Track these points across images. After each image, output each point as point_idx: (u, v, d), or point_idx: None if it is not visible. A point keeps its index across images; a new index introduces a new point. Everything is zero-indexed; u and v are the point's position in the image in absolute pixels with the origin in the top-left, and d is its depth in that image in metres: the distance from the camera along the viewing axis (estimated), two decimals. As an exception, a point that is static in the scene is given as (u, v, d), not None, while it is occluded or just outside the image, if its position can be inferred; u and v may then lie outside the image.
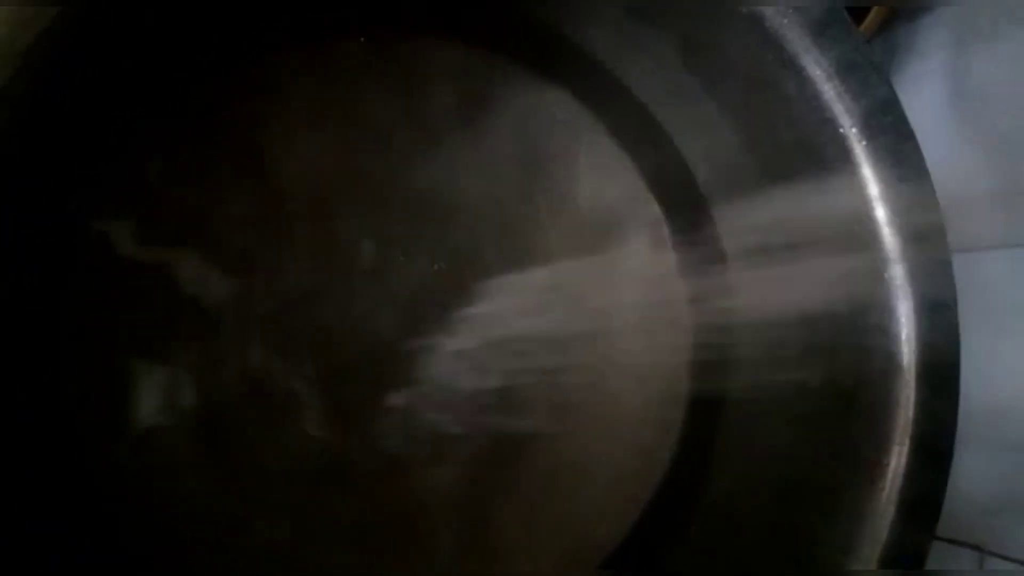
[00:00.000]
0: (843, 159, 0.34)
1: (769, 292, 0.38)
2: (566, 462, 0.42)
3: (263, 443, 0.40)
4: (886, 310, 0.34)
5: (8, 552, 0.34)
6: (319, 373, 0.41)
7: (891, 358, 0.34)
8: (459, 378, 0.41)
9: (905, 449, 0.33)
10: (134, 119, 0.39)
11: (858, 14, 0.45)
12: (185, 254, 0.40)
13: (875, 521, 0.34)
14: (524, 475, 0.42)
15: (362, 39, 0.41)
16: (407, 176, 0.41)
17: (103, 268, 0.39)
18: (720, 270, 0.40)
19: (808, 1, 0.33)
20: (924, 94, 0.45)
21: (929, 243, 0.33)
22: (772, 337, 0.39)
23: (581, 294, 0.42)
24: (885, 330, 0.34)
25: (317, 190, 0.41)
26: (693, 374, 0.43)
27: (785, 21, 0.33)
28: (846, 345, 0.36)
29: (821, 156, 0.34)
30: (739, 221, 0.39)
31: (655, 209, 0.42)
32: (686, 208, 0.41)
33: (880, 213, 0.34)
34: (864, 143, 0.33)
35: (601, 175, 0.42)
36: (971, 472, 0.41)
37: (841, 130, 0.34)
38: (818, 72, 0.33)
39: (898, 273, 0.34)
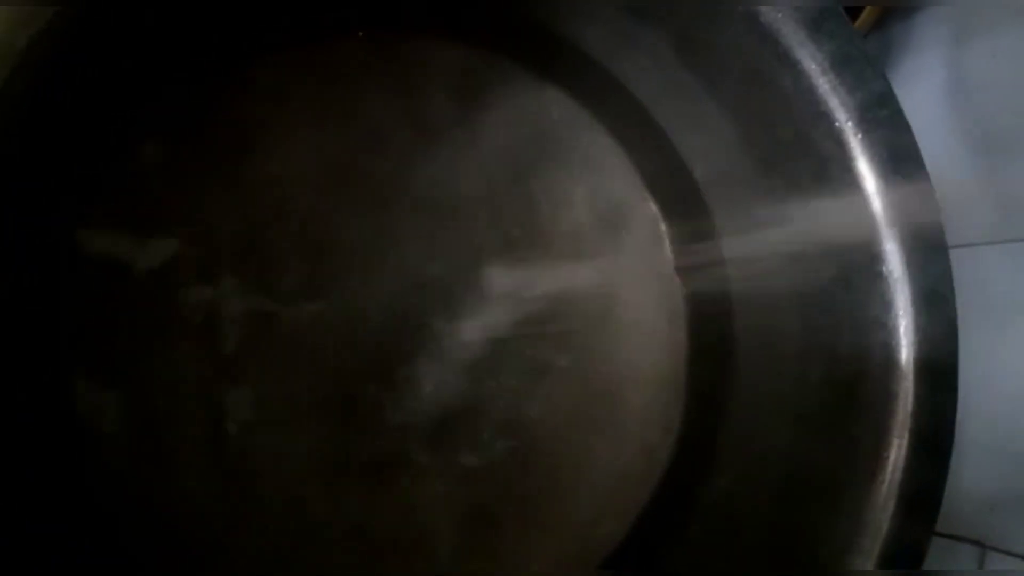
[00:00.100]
0: (839, 153, 0.34)
1: (767, 289, 0.39)
2: (566, 462, 0.42)
3: (263, 443, 0.40)
4: (884, 303, 0.34)
5: (8, 552, 0.34)
6: (318, 373, 0.41)
7: (889, 351, 0.34)
8: (458, 377, 0.41)
9: (905, 442, 0.33)
10: (133, 119, 0.39)
11: (852, 12, 0.45)
12: (184, 254, 0.40)
13: (876, 515, 0.33)
14: (524, 475, 0.42)
15: (361, 35, 0.41)
16: (406, 175, 0.42)
17: (103, 268, 0.39)
18: (718, 267, 0.40)
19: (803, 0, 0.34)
20: (919, 90, 0.45)
21: (926, 236, 0.33)
22: (771, 333, 0.39)
23: (580, 293, 0.42)
24: (883, 323, 0.34)
25: (316, 190, 0.41)
26: (692, 372, 0.43)
27: (780, 16, 0.33)
28: (844, 340, 0.36)
29: (817, 150, 0.35)
30: (737, 218, 0.39)
31: (653, 207, 0.43)
32: (684, 205, 0.42)
33: (877, 206, 0.34)
34: (860, 136, 0.33)
35: (599, 173, 0.42)
36: (971, 468, 0.41)
37: (837, 124, 0.34)
38: (813, 66, 0.33)
39: (895, 266, 0.34)
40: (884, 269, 0.34)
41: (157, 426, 0.40)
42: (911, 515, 0.33)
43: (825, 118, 0.34)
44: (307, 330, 0.41)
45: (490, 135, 0.41)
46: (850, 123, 0.34)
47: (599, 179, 0.42)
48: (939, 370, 0.34)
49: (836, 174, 0.34)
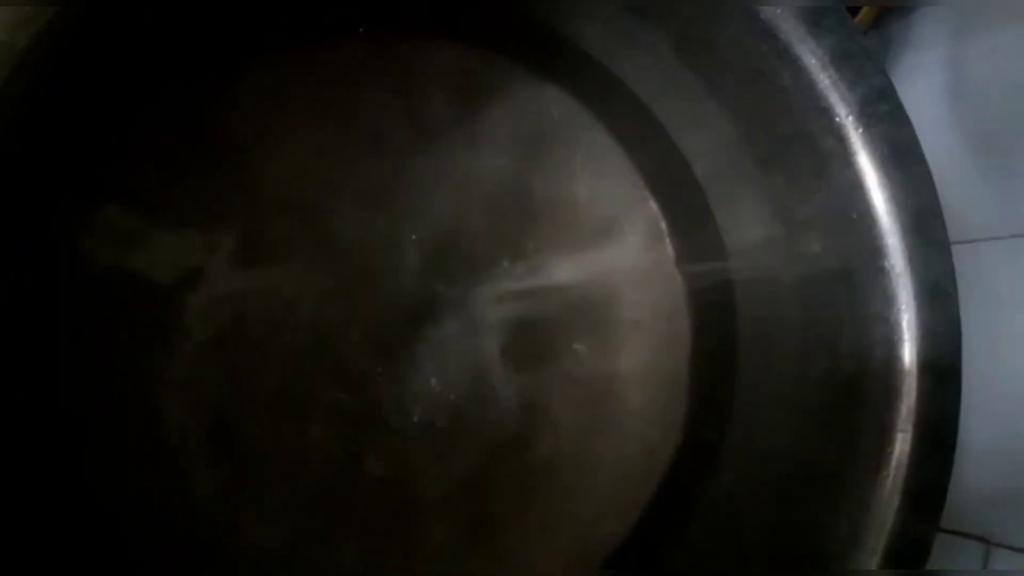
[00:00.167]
0: (840, 148, 0.34)
1: (769, 285, 0.38)
2: (567, 461, 0.42)
3: (263, 443, 0.40)
4: (886, 298, 0.34)
5: (8, 552, 0.34)
6: (318, 373, 0.41)
7: (892, 346, 0.34)
8: (458, 376, 0.41)
9: (909, 436, 0.33)
10: (133, 119, 0.39)
11: (851, 11, 0.46)
12: (184, 254, 0.40)
13: (881, 509, 0.33)
14: (525, 475, 0.42)
15: (361, 32, 0.41)
16: (406, 175, 0.42)
17: (102, 268, 0.39)
18: (719, 265, 0.40)
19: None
20: (918, 87, 0.45)
21: (927, 229, 0.33)
22: (773, 330, 0.39)
23: (581, 291, 0.42)
24: (885, 318, 0.34)
25: (316, 189, 0.41)
26: (694, 371, 0.43)
27: (779, 12, 0.33)
28: (847, 335, 0.36)
29: (818, 146, 0.35)
30: (738, 215, 0.39)
31: (653, 205, 0.43)
32: (685, 203, 0.42)
33: (878, 200, 0.34)
34: (861, 131, 0.33)
35: (599, 172, 0.42)
36: (975, 464, 0.41)
37: (837, 119, 0.34)
38: (813, 62, 0.34)
39: (897, 261, 0.34)
40: (886, 264, 0.34)
41: (157, 426, 0.39)
42: (916, 509, 0.33)
43: (825, 114, 0.34)
44: (308, 329, 0.41)
45: (490, 134, 0.42)
46: (850, 118, 0.34)
47: (600, 178, 0.42)
48: (942, 364, 0.33)
49: (837, 169, 0.34)
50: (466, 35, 0.41)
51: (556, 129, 0.42)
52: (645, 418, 0.43)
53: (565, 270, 0.42)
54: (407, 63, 0.42)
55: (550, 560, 0.42)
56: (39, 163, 0.36)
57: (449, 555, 0.41)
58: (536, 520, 0.42)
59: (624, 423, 0.43)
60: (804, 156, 0.35)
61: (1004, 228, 0.43)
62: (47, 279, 0.38)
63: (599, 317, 0.42)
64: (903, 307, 0.34)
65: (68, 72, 0.35)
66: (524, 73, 0.42)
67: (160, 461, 0.39)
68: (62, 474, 0.38)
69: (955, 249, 0.34)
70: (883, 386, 0.34)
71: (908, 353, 0.34)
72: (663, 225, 0.43)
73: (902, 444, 0.34)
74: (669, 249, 0.43)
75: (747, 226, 0.39)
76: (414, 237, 0.42)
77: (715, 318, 0.42)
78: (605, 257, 0.42)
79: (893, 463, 0.34)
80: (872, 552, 0.33)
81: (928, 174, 0.33)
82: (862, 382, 0.35)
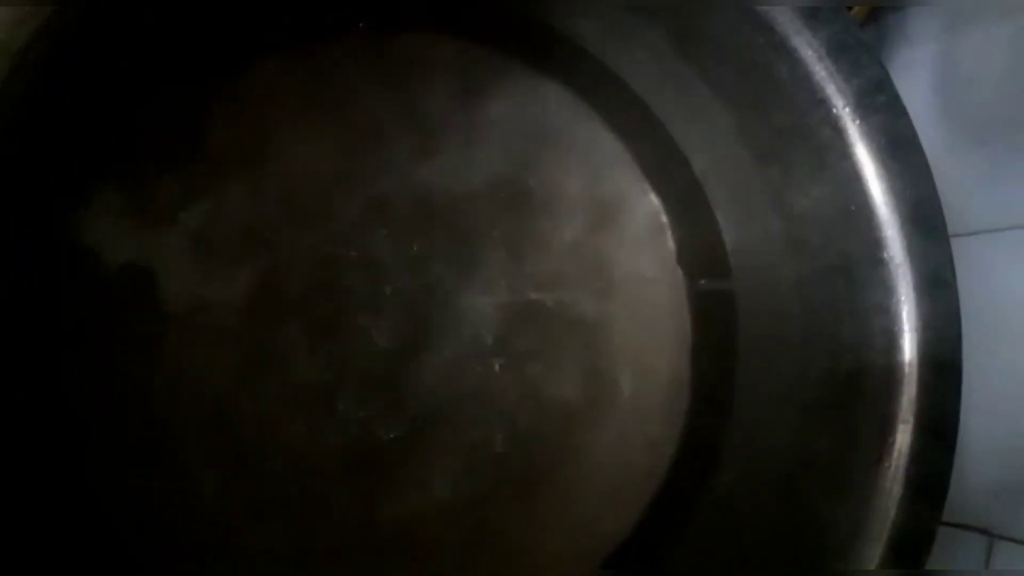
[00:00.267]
0: (838, 139, 0.34)
1: (769, 278, 0.39)
2: (568, 459, 0.42)
3: (263, 443, 0.40)
4: (885, 289, 0.34)
5: (8, 552, 0.34)
6: (319, 373, 0.41)
7: (892, 337, 0.34)
8: (459, 375, 0.41)
9: (910, 427, 0.33)
10: (133, 119, 0.39)
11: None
12: (184, 254, 0.40)
13: (883, 501, 0.33)
14: (526, 472, 0.42)
15: (360, 29, 0.41)
16: (404, 171, 0.42)
17: (102, 268, 0.39)
18: (720, 258, 0.41)
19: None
20: (913, 81, 0.45)
21: (925, 220, 0.33)
22: (773, 323, 0.39)
23: (579, 286, 0.42)
24: (885, 309, 0.34)
25: (315, 188, 0.41)
26: (695, 366, 0.43)
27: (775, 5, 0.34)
28: (847, 326, 0.35)
29: (815, 137, 0.35)
30: (736, 207, 0.40)
31: (654, 199, 0.43)
32: (684, 197, 0.42)
33: (875, 191, 0.34)
34: (857, 122, 0.34)
35: (598, 167, 0.42)
36: (977, 457, 0.40)
37: (834, 111, 0.34)
38: (809, 53, 0.34)
39: (896, 252, 0.34)
40: (885, 255, 0.34)
41: (157, 426, 0.39)
42: (919, 500, 0.33)
43: (822, 105, 0.34)
44: (308, 328, 0.41)
45: (489, 129, 0.42)
46: (847, 109, 0.34)
47: (598, 172, 0.42)
48: (942, 355, 0.33)
49: (834, 161, 0.34)
50: (464, 31, 0.42)
51: (554, 123, 0.42)
52: (645, 416, 0.42)
53: (565, 264, 0.42)
54: (405, 60, 0.42)
55: (550, 560, 0.42)
56: (38, 163, 0.36)
57: (450, 555, 0.41)
58: (537, 518, 0.42)
59: (624, 421, 0.42)
60: (802, 148, 0.35)
61: (997, 221, 0.43)
62: (47, 279, 0.38)
63: (600, 311, 0.42)
64: (903, 298, 0.34)
65: (67, 72, 0.35)
66: (522, 68, 0.42)
67: (160, 461, 0.39)
68: (62, 474, 0.38)
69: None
70: (884, 377, 0.34)
71: (908, 343, 0.34)
72: (663, 218, 0.43)
73: (903, 435, 0.33)
74: (670, 242, 0.43)
75: (746, 219, 0.40)
76: (412, 233, 0.41)
77: (716, 311, 0.41)
78: (605, 251, 0.42)
79: (895, 454, 0.33)
80: (876, 542, 0.33)
81: (926, 164, 0.33)
82: (863, 373, 0.35)
